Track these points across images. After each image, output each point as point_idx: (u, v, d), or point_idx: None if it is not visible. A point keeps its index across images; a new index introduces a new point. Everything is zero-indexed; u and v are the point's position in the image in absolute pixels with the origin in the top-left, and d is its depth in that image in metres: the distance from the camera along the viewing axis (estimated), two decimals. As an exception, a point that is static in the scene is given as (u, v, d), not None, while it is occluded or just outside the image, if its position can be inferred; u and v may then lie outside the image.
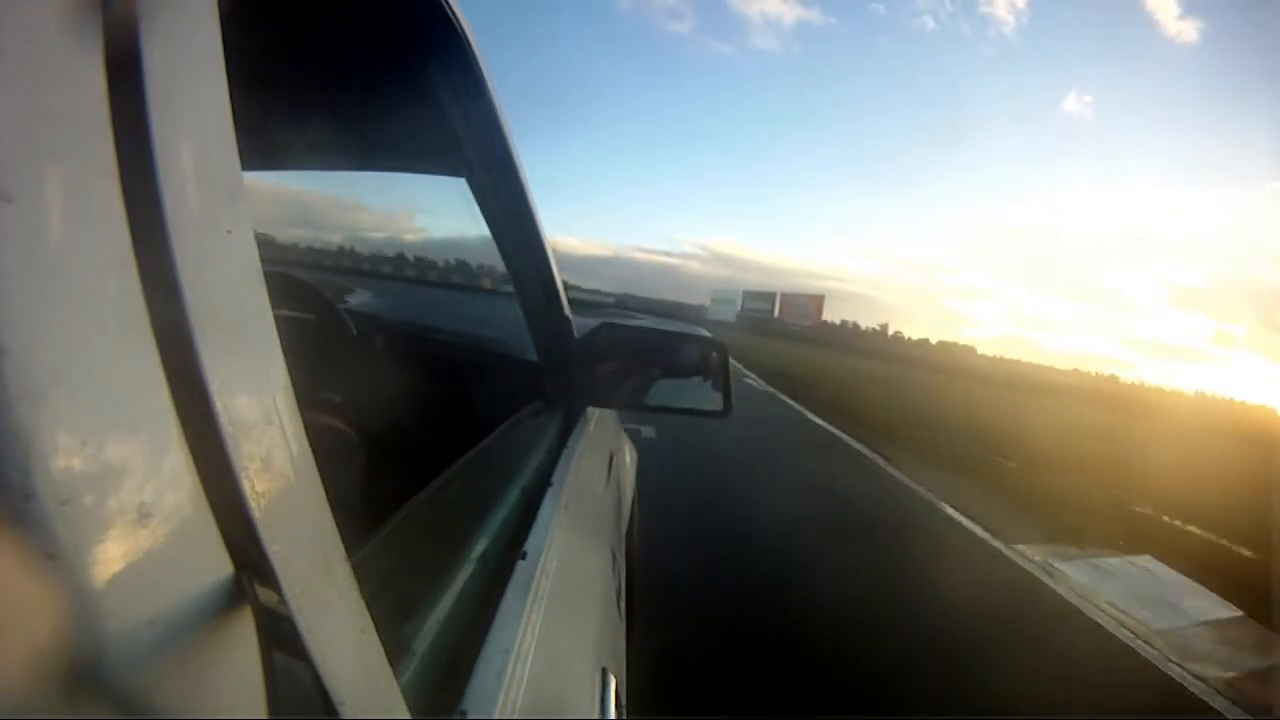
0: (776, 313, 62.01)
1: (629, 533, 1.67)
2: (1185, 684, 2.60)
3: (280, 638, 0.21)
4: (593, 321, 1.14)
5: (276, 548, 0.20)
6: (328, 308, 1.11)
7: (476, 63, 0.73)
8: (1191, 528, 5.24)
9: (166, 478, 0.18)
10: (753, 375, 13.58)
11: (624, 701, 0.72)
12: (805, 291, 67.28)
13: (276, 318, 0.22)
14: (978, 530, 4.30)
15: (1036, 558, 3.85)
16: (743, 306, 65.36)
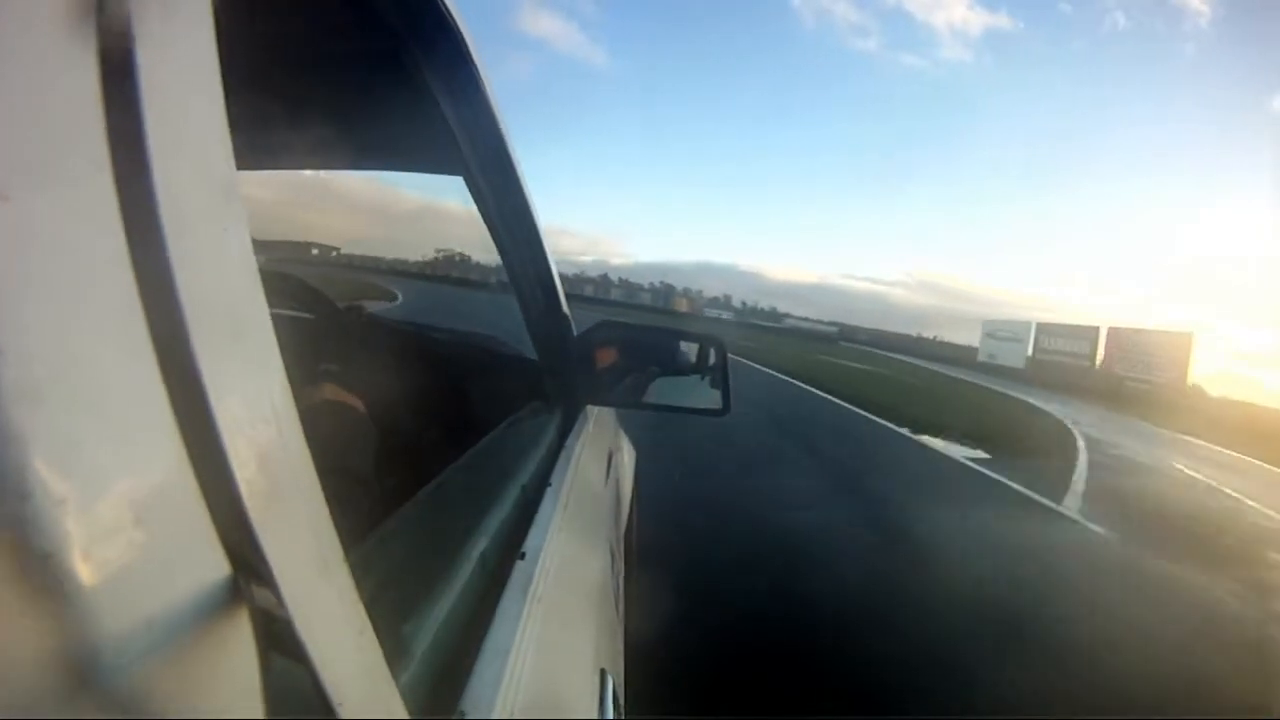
0: (1098, 359, 34.13)
1: (628, 532, 1.67)
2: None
3: (278, 638, 0.21)
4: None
5: (274, 548, 0.20)
6: (325, 306, 1.11)
7: (472, 60, 0.73)
8: None
9: (163, 478, 0.18)
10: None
11: (622, 702, 0.73)
12: (1083, 324, 36.63)
13: (274, 317, 0.22)
14: None
15: None
16: (1036, 348, 37.96)
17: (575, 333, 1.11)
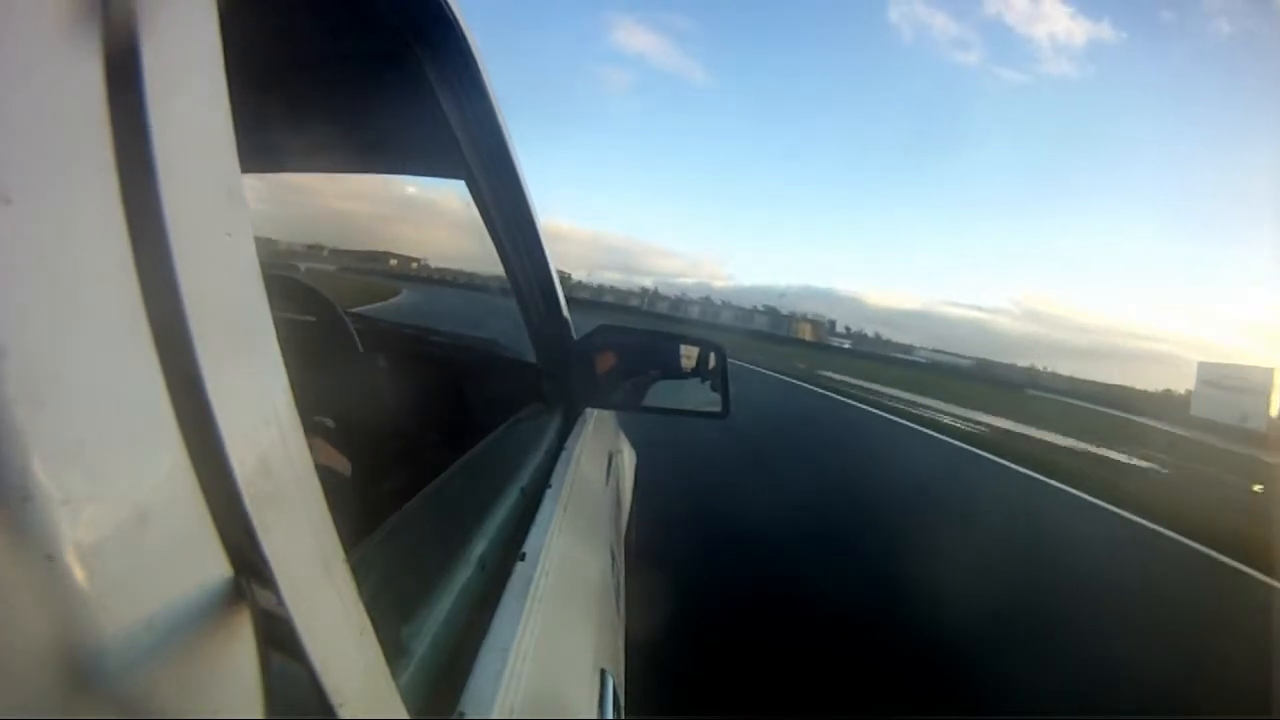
0: None
1: (627, 533, 1.67)
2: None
3: (278, 639, 0.21)
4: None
5: (275, 549, 0.20)
6: (327, 309, 1.11)
7: (476, 64, 0.73)
8: None
9: (165, 479, 0.18)
10: None
11: (622, 702, 0.72)
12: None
13: (275, 320, 0.22)
14: None
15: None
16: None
17: (575, 336, 1.11)
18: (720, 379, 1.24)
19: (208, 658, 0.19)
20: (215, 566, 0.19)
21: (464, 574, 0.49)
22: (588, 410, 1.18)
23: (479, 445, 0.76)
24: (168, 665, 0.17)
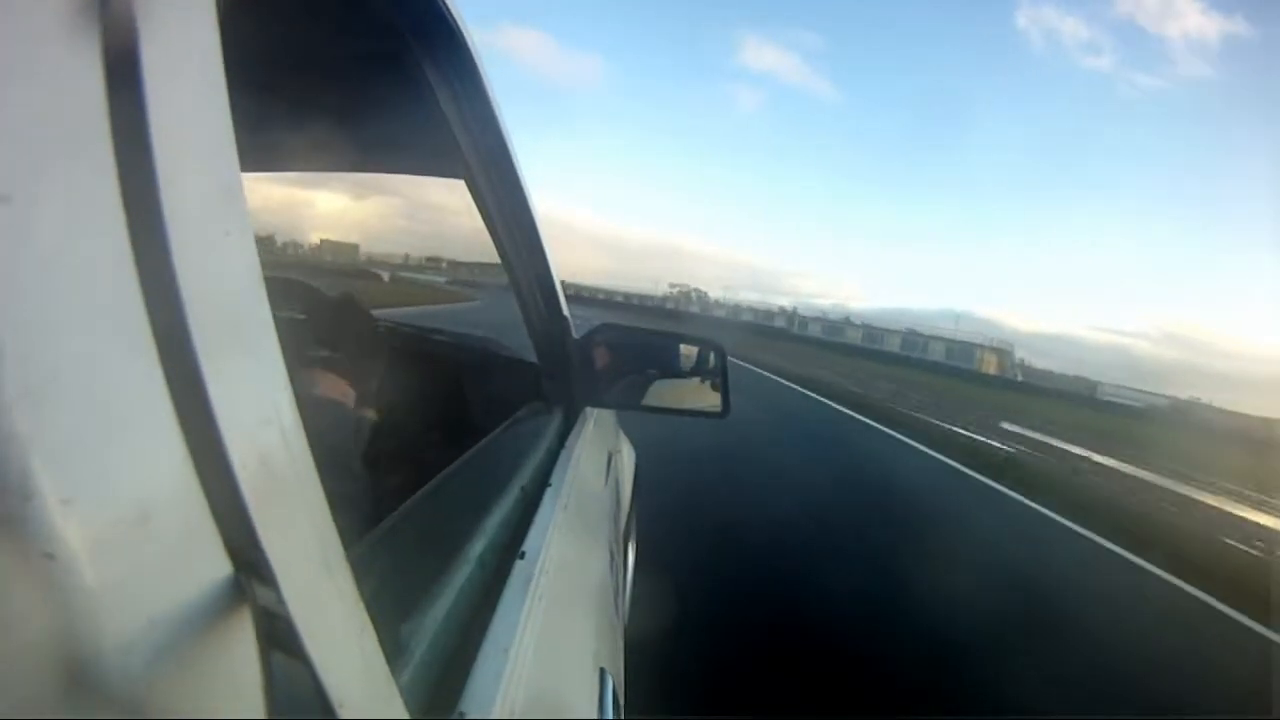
0: None
1: (627, 532, 1.67)
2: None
3: (279, 638, 0.21)
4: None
5: (275, 548, 0.20)
6: (326, 309, 1.11)
7: (475, 63, 0.73)
8: None
9: (165, 478, 0.18)
10: None
11: (622, 701, 0.73)
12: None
13: (275, 319, 0.22)
14: None
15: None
16: None
17: (575, 335, 1.11)
18: (720, 378, 1.24)
19: (208, 657, 0.19)
20: (216, 566, 0.19)
21: (464, 573, 0.49)
22: (588, 409, 1.18)
23: (479, 444, 0.76)
24: (168, 665, 0.17)
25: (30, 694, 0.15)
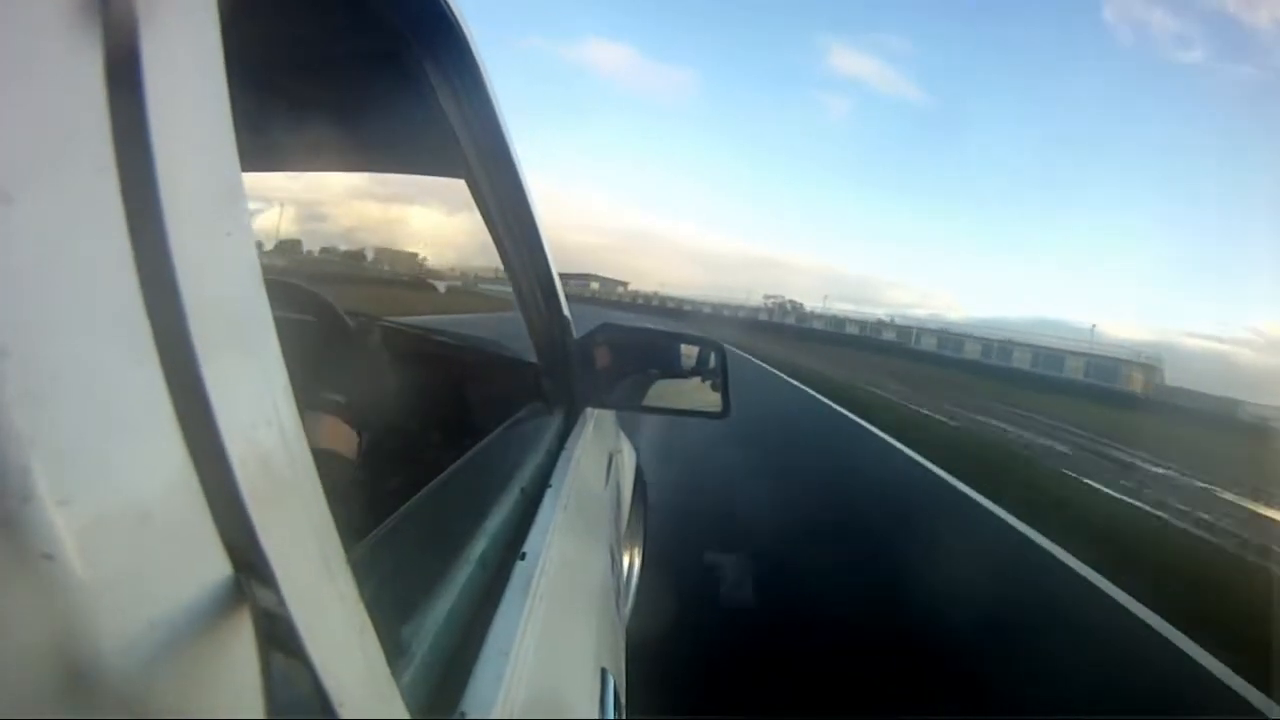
0: None
1: (629, 535, 1.67)
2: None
3: (279, 638, 0.21)
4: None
5: (275, 549, 0.20)
6: (327, 309, 1.11)
7: (475, 62, 0.73)
8: None
9: (166, 479, 0.18)
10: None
11: (623, 702, 0.73)
12: None
13: (275, 319, 0.22)
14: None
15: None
16: None
17: (575, 335, 1.11)
18: (720, 378, 1.24)
19: (208, 657, 0.19)
20: (216, 566, 0.19)
21: (464, 573, 0.49)
22: (588, 410, 1.18)
23: (479, 445, 0.76)
24: (168, 664, 0.17)
25: (30, 694, 0.15)
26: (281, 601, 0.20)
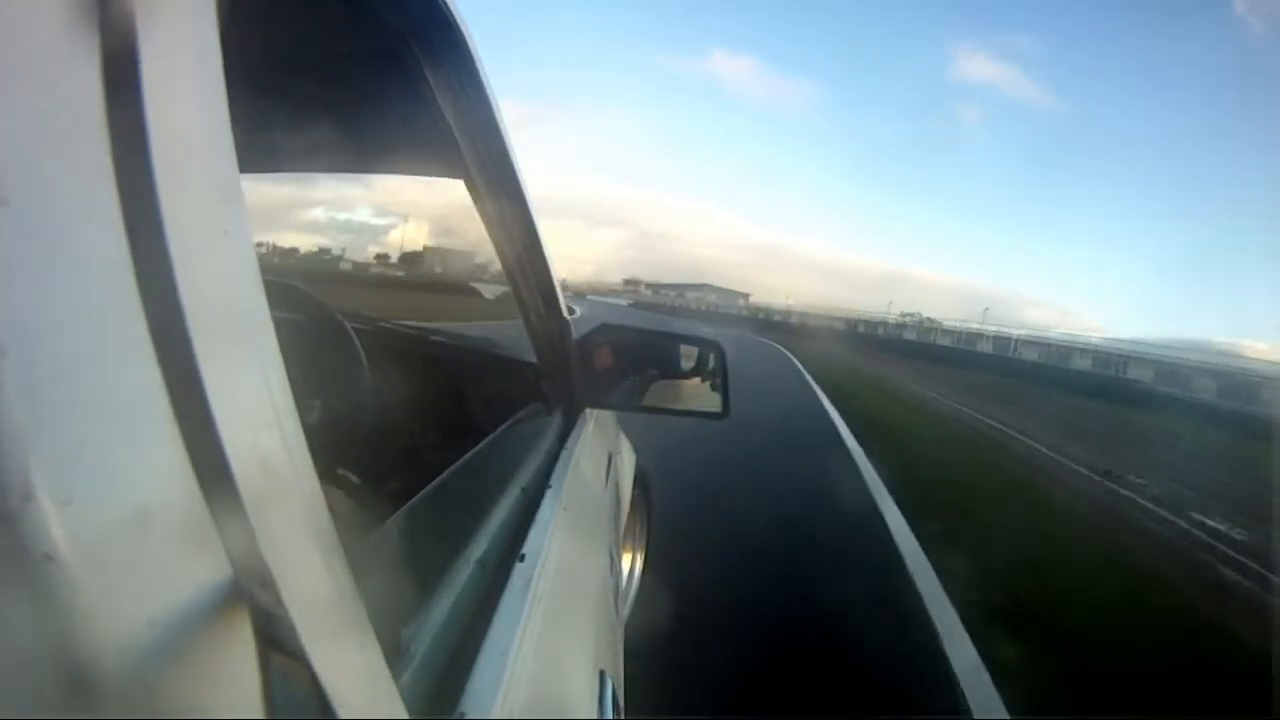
0: None
1: (629, 536, 1.67)
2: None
3: (278, 639, 0.21)
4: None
5: (275, 550, 0.20)
6: (325, 310, 1.11)
7: (474, 63, 0.73)
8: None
9: (165, 479, 0.18)
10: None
11: (622, 703, 0.72)
12: None
13: (274, 320, 0.22)
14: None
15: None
16: None
17: (575, 336, 1.11)
18: (720, 379, 1.24)
19: (208, 658, 0.19)
20: (215, 567, 0.19)
21: (464, 574, 0.49)
22: (588, 410, 1.18)
23: (479, 445, 0.76)
24: (168, 665, 0.17)
25: (30, 695, 0.15)
26: (280, 602, 0.20)
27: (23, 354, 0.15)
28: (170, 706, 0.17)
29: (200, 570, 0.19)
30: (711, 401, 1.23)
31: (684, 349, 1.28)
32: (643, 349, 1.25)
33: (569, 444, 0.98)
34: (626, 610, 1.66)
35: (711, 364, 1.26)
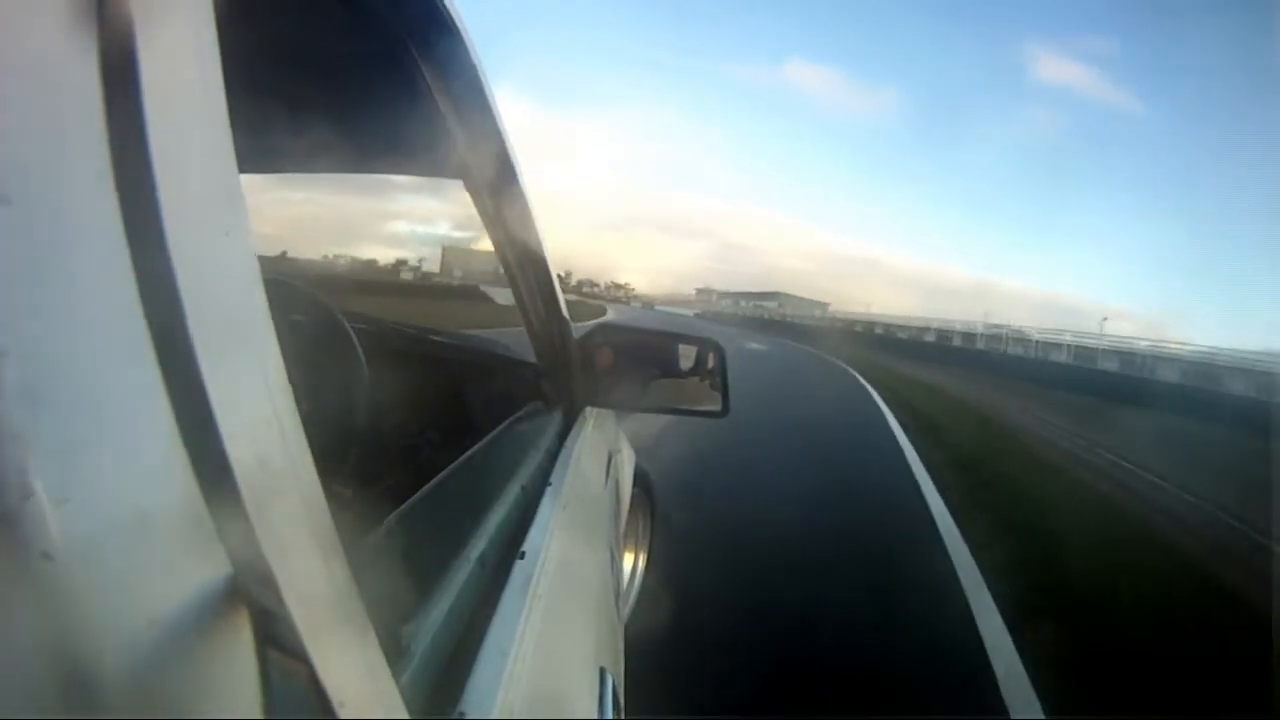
0: None
1: (629, 535, 1.67)
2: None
3: (278, 638, 0.21)
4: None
5: (274, 548, 0.20)
6: (325, 310, 1.11)
7: (474, 64, 0.73)
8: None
9: (164, 478, 0.18)
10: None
11: (622, 701, 0.73)
12: None
13: (274, 320, 0.23)
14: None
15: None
16: None
17: (575, 335, 1.11)
18: (720, 378, 1.24)
19: (208, 657, 0.19)
20: (214, 566, 0.19)
21: (464, 573, 0.49)
22: (587, 410, 1.18)
23: (479, 445, 0.76)
24: (167, 664, 0.17)
25: (29, 694, 0.15)
26: (280, 601, 0.20)
27: (23, 354, 0.15)
28: (170, 706, 0.17)
29: (200, 569, 0.19)
30: (711, 399, 1.23)
31: (683, 349, 1.28)
32: (642, 348, 1.25)
33: (569, 442, 0.98)
34: (628, 610, 1.66)
35: (710, 363, 1.26)
